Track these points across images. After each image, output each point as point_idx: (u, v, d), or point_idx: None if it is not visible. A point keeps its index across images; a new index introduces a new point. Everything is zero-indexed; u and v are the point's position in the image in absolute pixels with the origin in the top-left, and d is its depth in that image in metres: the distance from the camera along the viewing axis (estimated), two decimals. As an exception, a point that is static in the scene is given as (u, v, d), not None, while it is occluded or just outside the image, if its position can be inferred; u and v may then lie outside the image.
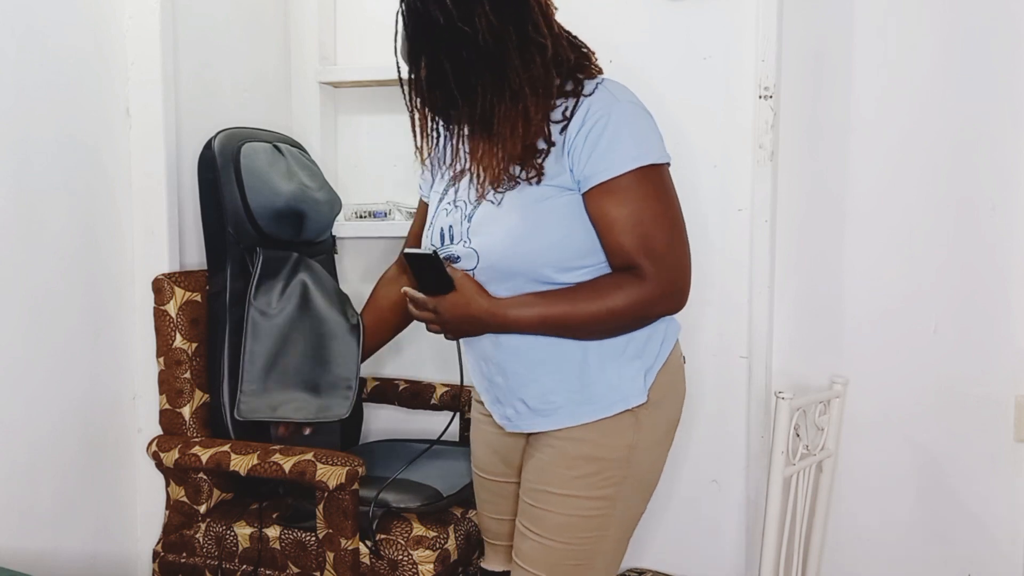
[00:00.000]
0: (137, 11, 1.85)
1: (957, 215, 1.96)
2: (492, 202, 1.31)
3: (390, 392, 2.32)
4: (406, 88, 1.35)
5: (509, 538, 1.52)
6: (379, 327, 1.75)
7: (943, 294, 1.98)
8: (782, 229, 2.07)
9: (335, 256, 2.29)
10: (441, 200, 1.41)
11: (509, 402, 1.39)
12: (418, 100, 1.33)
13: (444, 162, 1.46)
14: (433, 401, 2.25)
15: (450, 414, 2.30)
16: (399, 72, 1.36)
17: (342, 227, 2.33)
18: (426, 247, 1.37)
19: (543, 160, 1.28)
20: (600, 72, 1.36)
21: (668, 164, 1.30)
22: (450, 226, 1.36)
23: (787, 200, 2.07)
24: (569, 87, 1.30)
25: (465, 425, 2.23)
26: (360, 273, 2.47)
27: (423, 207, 1.57)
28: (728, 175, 2.03)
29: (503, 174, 1.28)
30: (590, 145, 1.24)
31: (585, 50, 1.37)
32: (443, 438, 2.16)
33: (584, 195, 1.27)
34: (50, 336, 1.71)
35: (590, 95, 1.28)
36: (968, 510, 1.99)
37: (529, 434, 1.41)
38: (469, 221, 1.33)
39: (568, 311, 1.27)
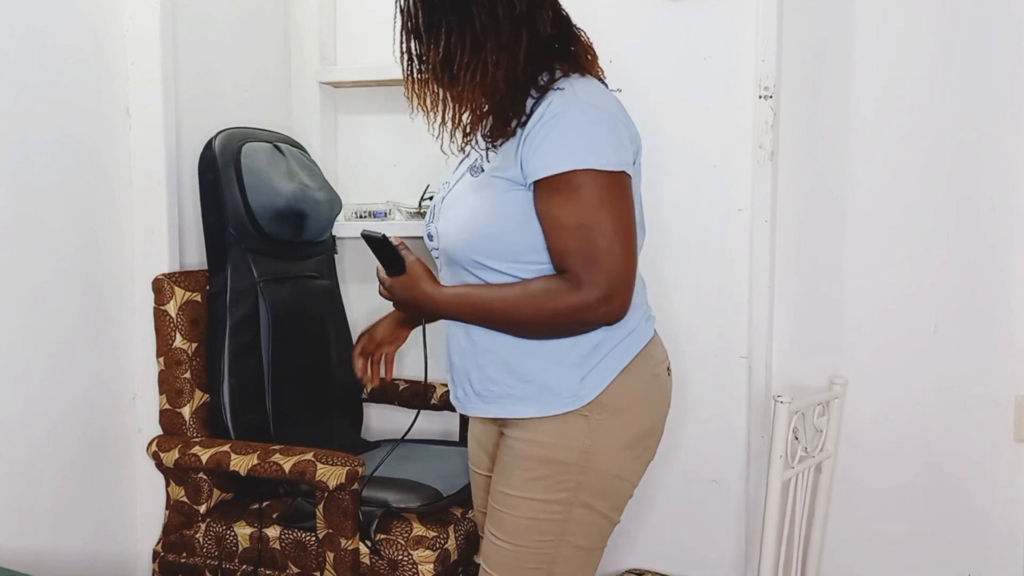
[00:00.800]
0: (137, 11, 1.85)
1: (957, 215, 1.96)
2: (464, 178, 1.36)
3: (390, 392, 2.32)
4: (409, 65, 1.36)
5: None
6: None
7: (943, 294, 1.98)
8: (782, 229, 2.07)
9: (335, 256, 2.30)
10: (447, 182, 1.48)
11: (460, 383, 1.42)
12: (411, 67, 1.35)
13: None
14: (433, 401, 2.25)
15: (452, 415, 2.30)
16: (403, 63, 1.38)
17: (342, 227, 2.33)
18: (380, 231, 1.41)
19: (504, 140, 1.28)
20: (591, 71, 1.35)
21: (623, 173, 1.26)
22: (435, 205, 1.44)
23: (787, 200, 2.06)
24: (544, 79, 1.29)
25: (465, 425, 2.23)
26: (360, 273, 2.47)
27: None
28: (728, 175, 2.03)
29: (465, 125, 1.30)
30: (540, 138, 1.24)
31: (578, 46, 1.35)
32: (443, 438, 2.16)
33: (532, 190, 1.27)
34: (50, 336, 1.71)
35: (555, 91, 1.27)
36: (968, 510, 1.99)
37: (501, 431, 1.43)
38: (442, 202, 1.40)
39: (500, 308, 1.30)
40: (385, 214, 2.36)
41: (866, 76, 2.00)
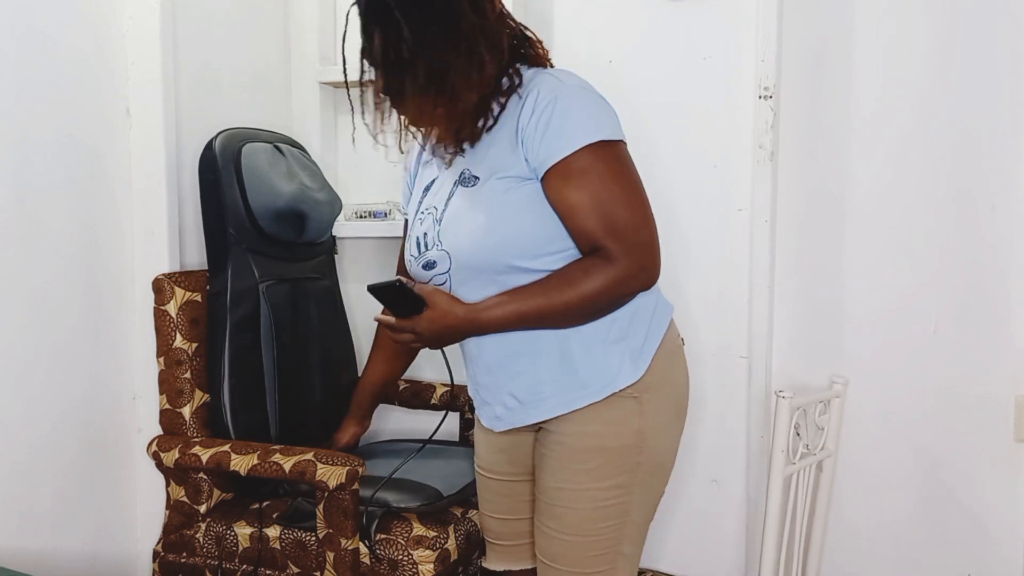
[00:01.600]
0: (137, 11, 1.85)
1: (957, 215, 1.96)
2: (458, 192, 1.33)
3: (390, 392, 2.32)
4: (367, 75, 1.32)
5: (513, 538, 1.52)
6: (391, 363, 1.84)
7: (943, 294, 1.98)
8: (782, 229, 2.07)
9: (335, 256, 2.30)
10: (416, 212, 1.43)
11: (498, 400, 1.39)
12: (376, 83, 1.31)
13: (414, 167, 1.51)
14: (433, 401, 2.25)
15: (447, 414, 2.30)
16: (346, 75, 1.34)
17: (342, 227, 2.33)
18: (389, 277, 1.37)
19: (486, 127, 1.30)
20: (547, 62, 1.38)
21: (623, 142, 1.29)
22: (424, 233, 1.38)
23: (787, 200, 2.07)
24: (505, 84, 1.31)
25: (465, 425, 2.23)
26: (360, 273, 2.47)
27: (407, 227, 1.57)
28: (728, 175, 2.04)
29: (450, 132, 1.30)
30: (541, 128, 1.25)
31: (529, 34, 1.38)
32: (443, 438, 2.16)
33: (542, 181, 1.27)
34: (50, 336, 1.71)
35: (532, 83, 1.29)
36: (968, 510, 1.99)
37: (536, 430, 1.41)
38: (439, 224, 1.35)
39: (543, 303, 1.27)
40: (385, 214, 2.36)
41: (866, 76, 2.00)
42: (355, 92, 1.33)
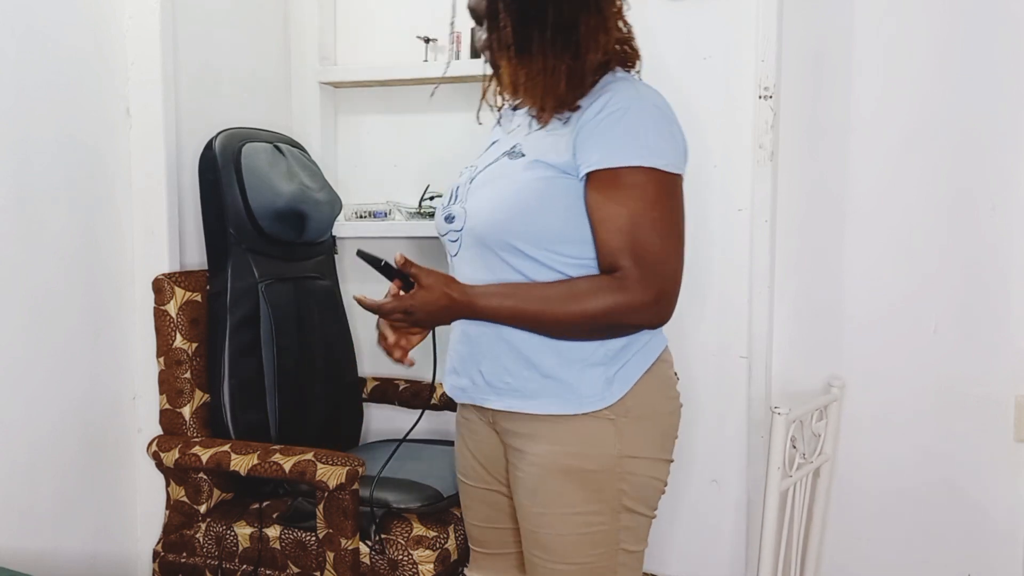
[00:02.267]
0: (137, 11, 1.85)
1: (957, 215, 1.96)
2: (501, 160, 1.30)
3: (390, 392, 2.32)
4: (488, 23, 1.30)
5: (494, 546, 1.47)
6: None
7: (943, 294, 1.98)
8: (782, 229, 2.07)
9: (335, 256, 2.30)
10: (467, 165, 1.41)
11: (466, 372, 1.34)
12: (503, 25, 1.27)
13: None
14: (433, 401, 2.25)
15: (451, 415, 2.30)
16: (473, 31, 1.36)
17: (342, 227, 2.33)
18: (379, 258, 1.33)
19: (560, 118, 1.26)
20: (637, 61, 1.37)
21: (679, 176, 1.26)
22: (457, 187, 1.36)
23: (787, 200, 2.06)
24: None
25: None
26: (360, 273, 2.46)
27: None
28: (728, 175, 2.03)
29: (570, 92, 1.25)
30: (601, 130, 1.21)
31: (629, 26, 1.36)
32: (443, 438, 2.16)
33: (585, 182, 1.22)
34: (50, 336, 1.71)
35: (616, 84, 1.25)
36: (968, 510, 1.99)
37: (505, 444, 1.36)
38: (470, 183, 1.33)
39: (542, 309, 1.23)
40: (385, 214, 2.36)
41: (866, 76, 2.00)
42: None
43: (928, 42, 1.95)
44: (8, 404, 1.62)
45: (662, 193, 1.22)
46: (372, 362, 2.45)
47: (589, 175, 1.21)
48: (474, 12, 1.35)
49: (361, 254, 1.28)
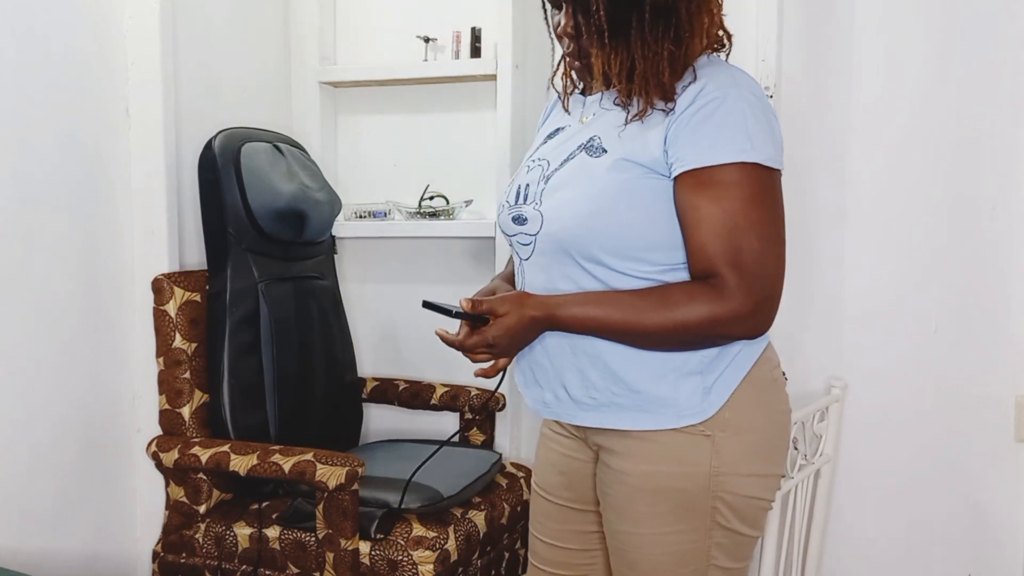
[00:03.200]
0: (137, 11, 1.85)
1: (957, 215, 1.96)
2: (580, 156, 1.19)
3: (390, 392, 2.32)
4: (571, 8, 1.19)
5: (559, 567, 1.39)
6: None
7: (943, 294, 1.97)
8: (782, 229, 2.07)
9: (335, 256, 2.30)
10: (529, 158, 1.30)
11: (550, 387, 1.25)
12: (596, 7, 1.15)
13: (545, 115, 1.39)
14: (433, 401, 2.25)
15: (451, 415, 2.30)
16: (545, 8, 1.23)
17: (342, 227, 2.33)
18: (450, 304, 1.21)
19: (650, 112, 1.15)
20: (729, 45, 1.25)
21: (780, 172, 1.17)
22: (527, 184, 1.24)
23: (787, 200, 2.06)
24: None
25: (466, 426, 2.23)
26: (360, 273, 2.47)
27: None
28: (728, 175, 2.03)
29: (674, 78, 1.13)
30: (695, 124, 1.10)
31: (725, 28, 1.24)
32: (444, 439, 2.16)
33: (675, 180, 1.12)
34: (50, 336, 1.71)
35: (704, 69, 1.14)
36: (968, 510, 1.99)
37: (596, 461, 1.28)
38: (546, 182, 1.21)
39: (631, 318, 1.13)
40: (385, 214, 2.36)
41: (866, 76, 2.00)
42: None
43: (928, 42, 1.95)
44: (8, 404, 1.62)
45: (762, 191, 1.13)
46: (372, 362, 2.45)
47: (683, 173, 1.11)
48: None
49: (428, 305, 1.20)
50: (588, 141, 1.20)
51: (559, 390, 1.24)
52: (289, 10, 2.39)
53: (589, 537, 1.35)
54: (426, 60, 2.32)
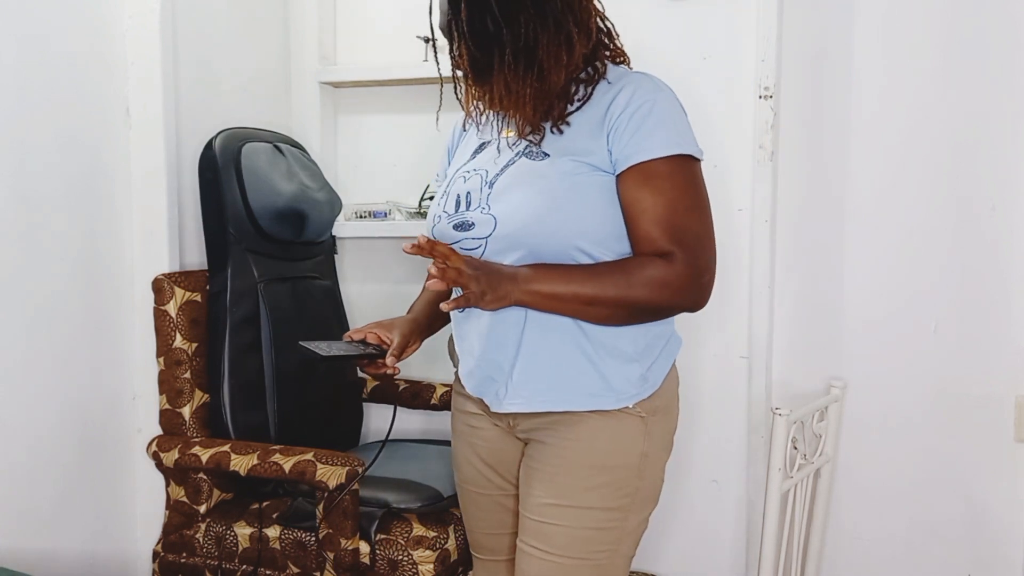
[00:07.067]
0: (137, 11, 1.85)
1: (957, 215, 1.96)
2: (521, 162, 1.28)
3: (390, 392, 2.32)
4: (451, 46, 1.31)
5: (505, 552, 1.44)
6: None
7: (943, 294, 1.98)
8: (782, 229, 2.07)
9: (335, 256, 2.30)
10: (459, 171, 1.37)
11: (501, 379, 1.30)
12: (460, 52, 1.28)
13: (454, 138, 1.49)
14: (433, 401, 2.25)
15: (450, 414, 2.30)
16: (433, 35, 1.35)
17: (342, 227, 2.33)
18: (319, 346, 1.33)
19: (570, 112, 1.27)
20: (626, 59, 1.36)
21: (700, 161, 1.28)
22: (467, 192, 1.31)
23: (787, 200, 2.07)
24: (590, 71, 1.29)
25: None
26: (360, 273, 2.47)
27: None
28: (728, 175, 2.03)
29: (538, 114, 1.26)
30: (634, 125, 1.23)
31: (609, 25, 1.35)
32: (444, 439, 2.16)
33: (619, 177, 1.24)
34: (50, 336, 1.71)
35: (628, 77, 1.28)
36: (968, 510, 1.99)
37: (525, 442, 1.35)
38: (490, 187, 1.28)
39: (597, 291, 1.21)
40: (385, 214, 2.36)
41: (866, 76, 2.00)
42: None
43: (928, 42, 1.96)
44: (8, 404, 1.62)
45: (692, 179, 1.25)
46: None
47: (628, 168, 1.23)
48: (443, 32, 1.35)
49: (303, 348, 1.30)
50: (526, 148, 1.29)
51: (508, 381, 1.29)
52: (289, 10, 2.38)
53: None
54: (426, 60, 2.32)
